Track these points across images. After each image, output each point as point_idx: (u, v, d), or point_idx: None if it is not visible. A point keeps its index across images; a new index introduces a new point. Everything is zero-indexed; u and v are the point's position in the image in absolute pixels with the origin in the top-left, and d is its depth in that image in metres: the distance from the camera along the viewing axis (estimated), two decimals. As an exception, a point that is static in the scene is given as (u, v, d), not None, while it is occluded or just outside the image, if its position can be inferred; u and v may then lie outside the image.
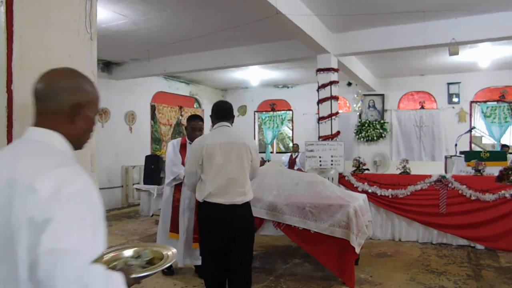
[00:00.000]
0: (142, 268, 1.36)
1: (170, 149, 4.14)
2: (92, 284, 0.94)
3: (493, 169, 5.32)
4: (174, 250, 1.47)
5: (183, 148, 4.06)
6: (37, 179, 0.97)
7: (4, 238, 0.98)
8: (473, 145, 10.11)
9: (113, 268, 1.16)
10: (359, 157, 6.15)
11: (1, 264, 0.98)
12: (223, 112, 2.89)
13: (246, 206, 2.84)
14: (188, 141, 4.04)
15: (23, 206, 0.96)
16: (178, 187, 4.00)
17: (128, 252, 1.43)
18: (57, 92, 1.13)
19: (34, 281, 0.93)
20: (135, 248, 1.47)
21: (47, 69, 1.18)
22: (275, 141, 12.70)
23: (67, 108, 1.13)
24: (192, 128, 3.95)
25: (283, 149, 14.28)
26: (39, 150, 1.08)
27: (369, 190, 5.52)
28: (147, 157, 8.03)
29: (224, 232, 2.72)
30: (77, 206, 0.98)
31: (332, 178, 5.65)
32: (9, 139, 1.46)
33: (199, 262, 3.90)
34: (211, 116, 2.94)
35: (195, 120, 4.01)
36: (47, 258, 0.91)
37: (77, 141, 1.20)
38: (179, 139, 4.24)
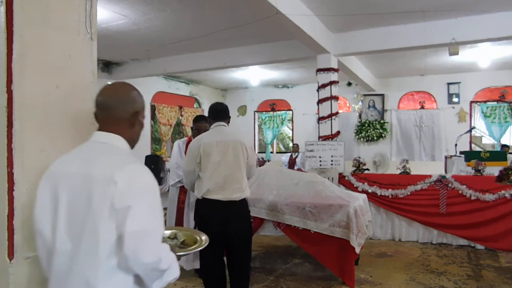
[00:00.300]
0: (178, 247, 1.61)
1: (176, 150, 4.10)
2: (164, 257, 1.26)
3: (493, 169, 5.32)
4: (206, 236, 1.74)
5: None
6: (115, 173, 1.20)
7: (87, 221, 1.20)
8: (473, 145, 10.11)
9: None
10: (359, 157, 6.16)
11: (85, 242, 1.20)
12: (218, 113, 3.04)
13: (243, 202, 2.92)
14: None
15: (103, 195, 1.19)
16: (183, 188, 3.96)
17: (166, 233, 1.67)
18: (119, 103, 1.39)
19: (121, 256, 1.19)
20: (172, 231, 1.76)
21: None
22: (275, 141, 12.70)
23: (128, 115, 1.39)
24: (197, 129, 3.84)
25: (283, 149, 14.28)
26: (107, 150, 1.33)
27: (369, 190, 5.52)
28: (147, 157, 8.03)
29: (222, 228, 2.78)
30: (148, 196, 1.25)
31: (332, 178, 5.65)
32: (9, 139, 1.46)
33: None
34: (207, 117, 3.09)
35: (201, 122, 3.90)
36: (131, 238, 1.17)
37: (133, 142, 1.46)
38: (185, 139, 4.20)
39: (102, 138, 1.36)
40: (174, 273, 1.36)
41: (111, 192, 1.19)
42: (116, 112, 1.38)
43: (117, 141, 1.37)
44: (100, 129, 1.39)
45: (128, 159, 1.30)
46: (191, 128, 4.11)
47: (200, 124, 3.90)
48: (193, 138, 3.99)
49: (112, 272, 1.21)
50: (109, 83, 1.46)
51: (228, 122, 3.06)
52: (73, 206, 1.25)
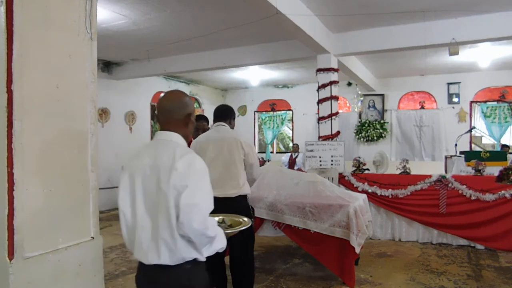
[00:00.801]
0: (226, 229, 1.94)
1: None
2: (211, 225, 1.64)
3: (493, 169, 5.31)
4: (248, 218, 2.16)
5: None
6: (176, 162, 1.60)
7: (159, 201, 1.61)
8: (473, 145, 10.11)
9: None
10: (359, 157, 6.15)
11: (161, 216, 1.61)
12: (219, 113, 3.19)
13: (241, 199, 2.93)
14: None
15: (168, 178, 1.59)
16: None
17: (215, 219, 1.89)
18: (178, 107, 1.77)
19: (179, 223, 1.58)
20: (219, 217, 2.13)
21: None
22: (275, 141, 12.70)
23: (183, 117, 1.77)
24: (196, 128, 3.92)
25: (283, 149, 14.28)
26: (169, 145, 1.71)
27: (369, 190, 5.52)
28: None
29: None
30: (199, 177, 1.64)
31: (332, 178, 5.65)
32: (9, 139, 1.46)
33: None
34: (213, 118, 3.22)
35: (199, 120, 4.01)
36: (186, 208, 1.57)
37: (187, 138, 1.81)
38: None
39: (164, 136, 1.75)
40: (221, 243, 1.74)
41: (173, 176, 1.59)
42: (174, 115, 1.76)
43: (175, 137, 1.74)
44: (162, 129, 1.78)
45: (184, 150, 1.69)
46: None
47: (199, 123, 3.94)
48: (192, 137, 4.02)
49: (180, 237, 1.62)
50: (168, 91, 1.89)
51: (230, 123, 3.16)
52: (146, 190, 1.66)
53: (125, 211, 1.70)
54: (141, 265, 1.71)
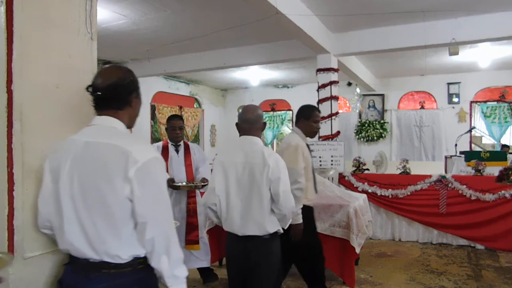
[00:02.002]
0: None
1: None
2: (296, 205, 2.58)
3: (493, 169, 5.31)
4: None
5: (164, 151, 3.84)
6: (267, 159, 2.23)
7: (253, 188, 2.25)
8: (473, 145, 10.11)
9: None
10: (359, 157, 6.16)
11: (254, 200, 2.24)
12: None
13: None
14: (169, 142, 3.91)
15: (262, 172, 2.22)
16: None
17: None
18: (258, 118, 2.42)
19: (279, 205, 2.25)
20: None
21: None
22: (275, 141, 12.69)
23: (261, 125, 2.44)
24: (172, 127, 3.87)
25: (283, 149, 14.27)
26: (257, 147, 2.33)
27: (369, 190, 5.53)
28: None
29: None
30: (285, 170, 2.30)
31: (332, 178, 5.65)
32: (9, 139, 1.46)
33: (202, 264, 3.85)
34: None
35: (174, 119, 3.94)
36: (284, 194, 2.24)
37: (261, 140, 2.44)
38: (160, 143, 4.02)
39: (249, 140, 2.37)
40: (292, 219, 2.63)
41: (266, 170, 2.22)
42: (256, 124, 2.39)
43: (257, 140, 2.38)
44: (244, 134, 2.39)
45: (270, 151, 2.33)
46: (165, 128, 4.03)
47: (174, 121, 3.92)
48: (168, 137, 3.94)
49: (271, 214, 2.28)
50: (247, 105, 2.51)
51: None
52: (239, 181, 2.27)
53: (221, 196, 2.31)
54: (233, 236, 2.32)
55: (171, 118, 4.01)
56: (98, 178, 1.32)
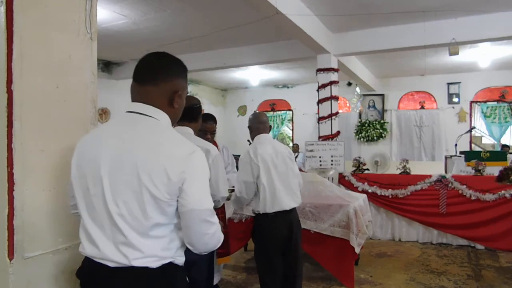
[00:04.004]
0: None
1: None
2: None
3: (493, 169, 5.31)
4: None
5: None
6: (287, 148, 3.05)
7: (288, 171, 2.89)
8: (473, 145, 10.11)
9: None
10: (359, 157, 6.15)
11: (291, 181, 2.90)
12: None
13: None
14: None
15: (290, 159, 2.98)
16: None
17: None
18: (267, 120, 3.00)
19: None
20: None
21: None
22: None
23: (269, 126, 3.03)
24: (203, 131, 2.94)
25: (283, 149, 14.28)
26: (276, 141, 3.02)
27: (369, 190, 5.52)
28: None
29: None
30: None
31: (332, 178, 5.65)
32: (9, 139, 1.46)
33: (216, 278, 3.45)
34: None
35: (208, 121, 3.08)
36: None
37: None
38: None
39: (268, 137, 2.95)
40: None
41: (290, 155, 2.95)
42: (267, 124, 2.99)
43: (271, 137, 3.01)
44: (261, 133, 2.91)
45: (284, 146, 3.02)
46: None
47: (207, 124, 3.09)
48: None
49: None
50: (255, 112, 3.10)
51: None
52: (277, 167, 2.79)
53: (264, 183, 2.74)
54: (279, 213, 2.76)
55: (205, 119, 2.98)
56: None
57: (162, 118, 1.35)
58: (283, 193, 2.80)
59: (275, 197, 2.77)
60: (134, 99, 1.37)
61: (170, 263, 1.29)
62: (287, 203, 2.81)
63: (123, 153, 1.26)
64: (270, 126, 3.03)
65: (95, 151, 1.29)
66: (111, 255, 1.24)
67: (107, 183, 1.25)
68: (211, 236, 1.31)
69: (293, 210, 2.88)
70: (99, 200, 1.26)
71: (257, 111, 3.45)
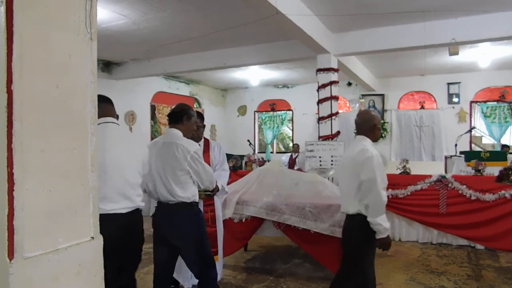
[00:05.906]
0: None
1: None
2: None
3: (493, 169, 5.31)
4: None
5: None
6: (360, 156, 2.63)
7: (347, 171, 2.74)
8: (473, 145, 10.11)
9: None
10: (359, 157, 6.14)
11: (351, 185, 2.66)
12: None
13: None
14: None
15: (357, 161, 2.63)
16: None
17: None
18: (365, 121, 2.82)
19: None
20: None
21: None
22: (275, 141, 12.70)
23: (371, 126, 2.77)
24: (197, 127, 3.31)
25: (283, 149, 14.28)
26: (360, 144, 2.72)
27: (369, 190, 5.51)
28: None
29: None
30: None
31: (332, 178, 5.65)
32: (9, 139, 1.46)
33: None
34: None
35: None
36: (366, 183, 2.60)
37: (376, 138, 2.82)
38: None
39: (359, 140, 2.77)
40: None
41: (359, 160, 2.64)
42: (366, 126, 2.79)
43: (367, 142, 2.73)
44: (360, 134, 2.79)
45: (366, 147, 2.67)
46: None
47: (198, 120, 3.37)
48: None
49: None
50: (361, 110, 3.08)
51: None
52: (345, 168, 2.77)
53: (339, 181, 2.93)
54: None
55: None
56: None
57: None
58: (345, 195, 2.87)
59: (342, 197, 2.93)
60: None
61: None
62: (346, 207, 2.87)
63: None
64: (375, 126, 2.79)
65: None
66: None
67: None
68: None
69: (353, 216, 2.77)
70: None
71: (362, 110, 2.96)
